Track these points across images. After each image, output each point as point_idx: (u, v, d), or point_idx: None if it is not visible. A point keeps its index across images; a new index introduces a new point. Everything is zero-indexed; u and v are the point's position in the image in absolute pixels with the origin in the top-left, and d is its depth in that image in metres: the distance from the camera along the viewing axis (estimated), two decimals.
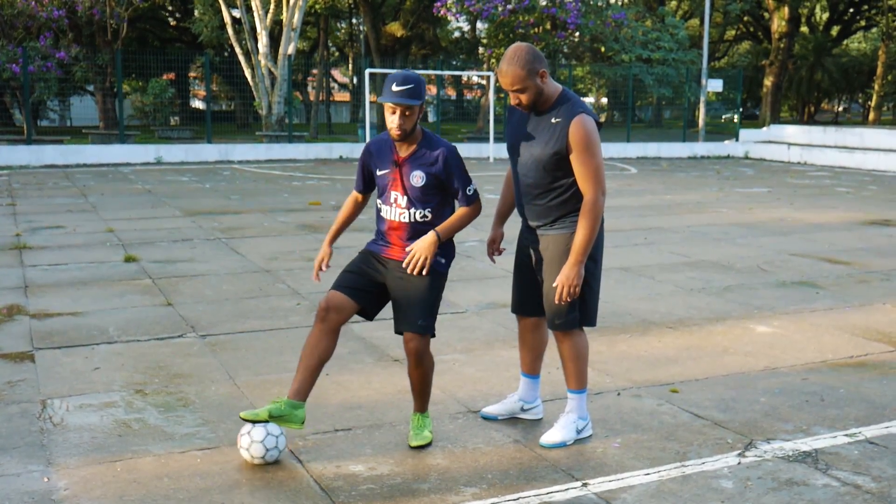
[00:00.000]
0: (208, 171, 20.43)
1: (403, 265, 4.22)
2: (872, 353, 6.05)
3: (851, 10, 49.94)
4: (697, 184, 18.97)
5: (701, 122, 29.82)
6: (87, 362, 5.70)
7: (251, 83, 27.38)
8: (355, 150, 25.57)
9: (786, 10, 40.60)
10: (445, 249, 4.33)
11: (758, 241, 10.75)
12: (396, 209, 4.29)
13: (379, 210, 4.38)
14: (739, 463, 4.22)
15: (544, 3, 29.26)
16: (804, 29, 50.02)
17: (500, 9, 28.27)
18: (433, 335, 4.33)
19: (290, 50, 26.65)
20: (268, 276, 8.43)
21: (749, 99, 52.04)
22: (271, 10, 27.47)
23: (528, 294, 4.57)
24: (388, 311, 4.62)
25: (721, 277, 8.53)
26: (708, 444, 4.45)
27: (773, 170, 23.56)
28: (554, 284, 4.25)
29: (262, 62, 26.73)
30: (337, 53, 53.86)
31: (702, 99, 29.63)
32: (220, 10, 28.14)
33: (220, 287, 7.92)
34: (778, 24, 41.54)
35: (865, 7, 49.02)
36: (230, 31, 27.43)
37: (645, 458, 4.27)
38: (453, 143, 4.33)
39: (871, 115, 41.54)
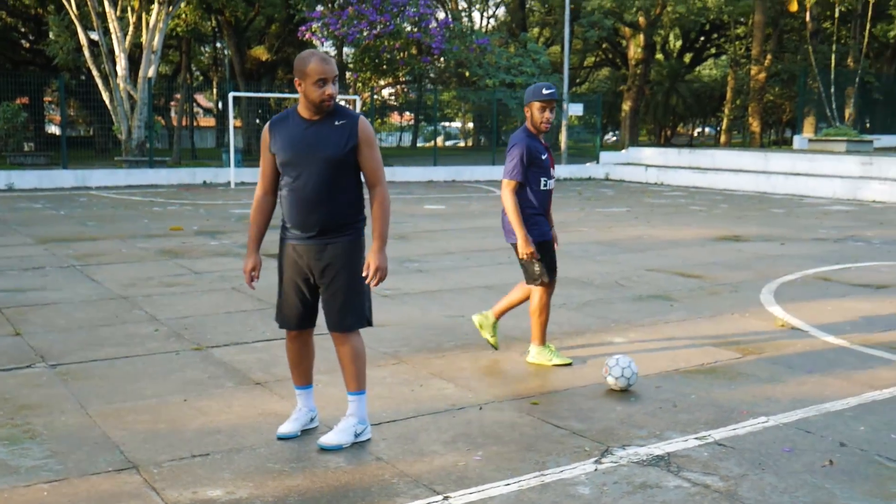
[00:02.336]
0: (64, 198, 19.66)
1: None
2: (721, 361, 6.31)
3: (702, 38, 52.36)
4: (560, 204, 19.42)
5: (563, 145, 30.62)
6: None
7: (110, 107, 26.55)
8: (220, 175, 25.10)
9: (641, 37, 42.23)
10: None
11: (616, 258, 11.09)
12: (552, 183, 6.10)
13: (544, 185, 6.06)
14: (596, 469, 4.32)
15: (409, 28, 29.54)
16: (659, 56, 52.16)
17: (365, 33, 28.37)
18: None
19: (151, 73, 26.02)
20: (125, 302, 8.16)
21: (609, 123, 53.78)
22: (130, 33, 26.75)
23: (307, 307, 4.66)
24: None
25: (580, 293, 8.75)
26: (566, 452, 4.55)
27: (632, 190, 24.38)
28: (365, 273, 4.48)
29: (121, 85, 25.98)
30: (201, 78, 52.84)
31: (563, 122, 30.44)
32: (77, 33, 27.21)
33: (73, 315, 7.62)
34: (634, 51, 43.16)
35: (715, 36, 51.49)
36: (87, 53, 26.55)
37: (505, 469, 4.32)
38: None
39: (723, 138, 43.53)
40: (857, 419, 5.09)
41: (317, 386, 5.59)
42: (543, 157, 5.99)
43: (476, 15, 55.12)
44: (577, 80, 55.48)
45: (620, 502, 3.95)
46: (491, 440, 4.71)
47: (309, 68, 4.37)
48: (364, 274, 4.52)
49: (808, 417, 5.11)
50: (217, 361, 6.21)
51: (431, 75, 35.88)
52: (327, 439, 4.58)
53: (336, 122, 4.47)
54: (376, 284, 4.51)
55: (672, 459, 4.46)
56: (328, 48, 39.27)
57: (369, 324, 4.67)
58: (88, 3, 25.86)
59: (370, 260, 4.50)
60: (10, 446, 4.58)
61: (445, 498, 3.99)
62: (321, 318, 4.71)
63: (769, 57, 38.75)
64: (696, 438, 4.75)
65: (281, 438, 4.69)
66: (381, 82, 31.81)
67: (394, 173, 26.95)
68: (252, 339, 6.83)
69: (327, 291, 4.57)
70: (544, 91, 5.86)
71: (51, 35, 33.75)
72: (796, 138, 30.31)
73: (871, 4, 31.99)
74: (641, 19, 41.06)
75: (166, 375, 5.86)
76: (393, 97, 42.73)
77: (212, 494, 4.01)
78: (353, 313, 4.57)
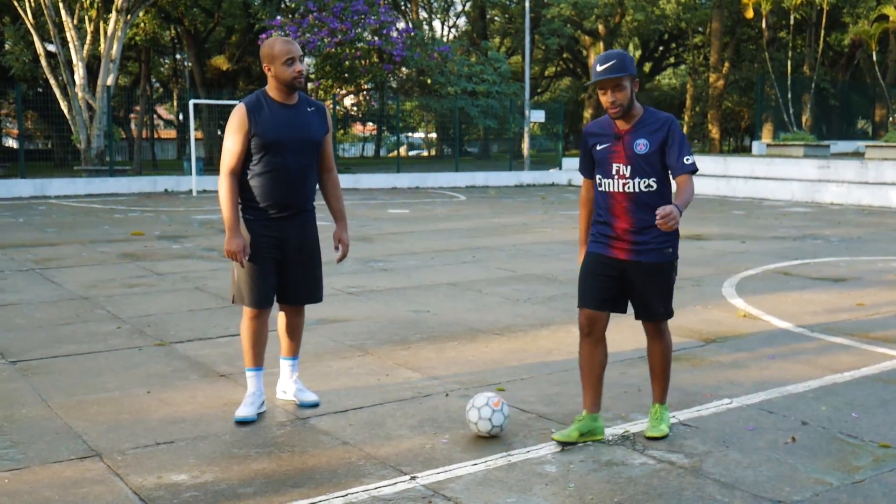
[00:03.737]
0: (22, 206, 19.39)
1: (658, 220, 3.95)
2: (685, 348, 6.37)
3: (661, 48, 52.95)
4: (523, 208, 19.53)
5: (525, 151, 30.76)
6: None
7: (68, 116, 26.23)
8: (181, 184, 24.90)
9: (601, 46, 42.60)
10: (670, 238, 4.39)
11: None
12: (620, 180, 4.32)
13: (598, 186, 4.43)
14: (562, 450, 4.33)
15: (370, 37, 29.56)
16: None
17: (326, 41, 28.34)
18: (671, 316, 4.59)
19: (110, 81, 25.78)
20: (86, 302, 8.06)
21: (571, 131, 54.15)
22: (88, 42, 26.49)
23: (275, 285, 4.80)
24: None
25: (545, 289, 8.78)
26: (533, 434, 4.56)
27: None
28: (337, 250, 4.94)
29: (80, 94, 25.70)
30: (161, 89, 52.44)
31: (525, 129, 30.59)
32: (33, 43, 26.90)
33: (33, 315, 7.51)
34: (594, 59, 43.52)
35: (674, 45, 52.11)
36: (44, 63, 26.24)
37: (472, 450, 4.32)
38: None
39: None
40: (819, 400, 5.16)
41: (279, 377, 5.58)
42: (601, 147, 4.41)
43: (437, 24, 55.32)
44: (539, 90, 55.84)
45: (587, 479, 3.98)
46: (458, 424, 4.71)
47: (276, 51, 4.60)
48: (336, 251, 4.97)
49: (771, 399, 5.17)
50: (181, 356, 6.16)
51: (393, 84, 35.89)
52: (309, 397, 5.00)
53: (309, 109, 4.78)
54: (342, 259, 5.00)
55: (637, 439, 4.49)
56: None
57: None
58: (45, 13, 25.57)
59: (342, 237, 4.96)
60: None
61: (413, 478, 3.98)
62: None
63: (727, 65, 39.28)
64: None
65: (240, 422, 4.71)
66: (343, 90, 31.76)
67: (357, 181, 26.91)
68: (216, 335, 6.77)
69: (302, 267, 4.78)
70: (598, 68, 4.20)
71: (6, 46, 33.36)
72: (755, 144, 30.69)
73: (825, 13, 32.55)
74: (601, 28, 41.45)
75: (129, 370, 5.80)
76: (355, 107, 42.72)
77: (177, 479, 3.98)
78: (321, 287, 4.93)
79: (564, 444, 4.35)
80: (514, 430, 4.60)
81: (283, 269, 4.77)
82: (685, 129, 43.69)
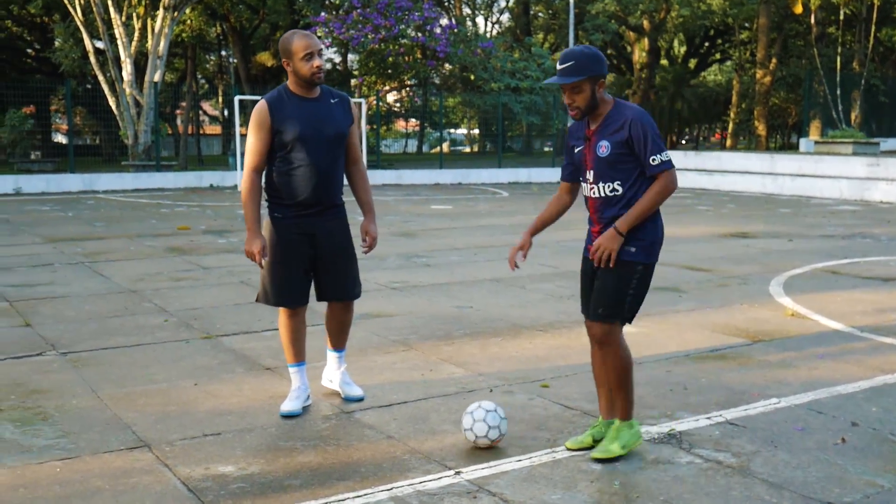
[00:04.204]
0: (71, 201, 19.71)
1: (593, 258, 4.03)
2: (732, 347, 6.30)
3: (707, 44, 52.40)
4: None
5: None
6: None
7: (116, 112, 26.59)
8: (226, 179, 25.14)
9: (646, 41, 42.27)
10: (636, 237, 4.03)
11: None
12: (588, 185, 4.11)
13: (582, 189, 4.24)
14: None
15: (414, 33, 29.60)
16: (664, 62, 52.20)
17: (370, 37, 28.43)
18: (620, 323, 4.12)
19: (157, 77, 26.10)
20: (134, 296, 8.17)
21: None
22: (135, 39, 26.84)
23: (307, 283, 4.79)
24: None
25: None
26: (577, 432, 4.53)
27: None
28: (363, 242, 4.83)
29: (128, 90, 26.04)
30: (206, 85, 53.00)
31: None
32: (83, 40, 27.31)
33: (83, 307, 7.63)
34: (639, 55, 43.21)
35: (720, 41, 51.54)
36: (93, 60, 26.63)
37: (517, 446, 4.31)
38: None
39: (728, 142, 43.52)
40: (869, 401, 5.07)
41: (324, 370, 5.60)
42: (577, 150, 4.19)
43: (480, 20, 55.27)
44: None
45: (633, 477, 3.95)
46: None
47: (295, 46, 4.51)
48: (363, 243, 4.86)
49: (820, 399, 5.09)
50: (226, 349, 6.22)
51: (436, 80, 35.90)
52: (355, 391, 4.98)
53: (332, 101, 4.69)
54: (369, 251, 4.89)
55: (684, 437, 4.45)
56: (332, 53, 39.45)
57: None
58: (94, 10, 25.95)
59: (369, 229, 4.86)
60: (22, 427, 4.59)
61: (457, 472, 3.98)
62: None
63: (774, 61, 38.77)
64: (706, 418, 4.74)
65: (285, 416, 4.73)
66: (386, 87, 31.85)
67: (400, 176, 26.99)
68: (261, 329, 6.83)
69: (336, 263, 4.73)
70: (557, 67, 4.03)
71: (56, 43, 33.92)
72: (802, 141, 30.25)
73: (875, 8, 31.99)
74: (646, 23, 41.11)
75: (176, 362, 5.87)
76: (398, 103, 42.82)
77: (224, 470, 4.02)
78: (358, 283, 4.88)
79: (578, 451, 4.19)
80: (558, 427, 4.59)
81: (318, 267, 4.73)
82: (731, 127, 43.25)
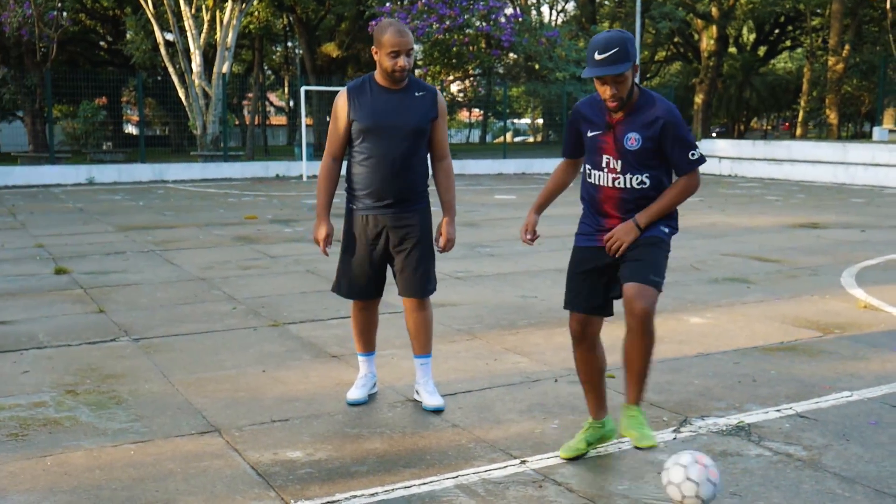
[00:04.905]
0: (142, 190, 20.15)
1: (606, 247, 3.83)
2: (802, 339, 6.18)
3: (777, 31, 51.30)
4: None
5: None
6: (14, 367, 5.55)
7: (185, 103, 27.08)
8: (292, 169, 25.44)
9: (714, 29, 41.55)
10: (668, 222, 3.89)
11: (691, 244, 10.93)
12: (609, 174, 3.85)
13: (588, 176, 3.95)
14: (675, 438, 4.27)
15: (479, 23, 29.54)
16: (732, 49, 51.25)
17: (434, 27, 28.45)
18: (659, 290, 3.78)
19: (225, 69, 26.48)
20: (203, 283, 8.32)
21: (683, 117, 53.06)
22: (204, 31, 27.27)
23: (378, 277, 4.73)
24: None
25: None
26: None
27: (706, 181, 23.99)
28: (437, 243, 4.67)
29: (196, 82, 26.48)
30: (273, 76, 53.60)
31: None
32: (153, 32, 27.84)
33: (154, 295, 7.80)
34: (707, 43, 42.48)
35: (790, 28, 50.41)
36: (163, 52, 27.13)
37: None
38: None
39: (798, 130, 42.63)
40: None
41: (391, 359, 5.65)
42: (592, 134, 3.92)
43: (545, 9, 54.91)
44: (649, 75, 54.85)
45: None
46: (567, 410, 4.69)
47: (384, 39, 4.44)
48: (437, 244, 4.70)
49: (894, 393, 4.97)
50: (293, 336, 6.30)
51: (500, 70, 35.80)
52: (435, 401, 4.69)
53: (416, 94, 4.58)
54: (444, 251, 4.72)
55: (753, 430, 4.39)
56: None
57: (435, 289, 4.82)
58: (164, 2, 26.42)
59: (444, 230, 4.69)
60: (97, 411, 4.71)
61: (523, 462, 3.99)
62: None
63: (847, 48, 37.79)
64: (776, 411, 4.67)
65: (351, 404, 4.77)
66: (451, 77, 31.86)
67: (464, 166, 26.99)
68: (327, 317, 6.90)
69: (407, 259, 4.62)
70: (596, 56, 3.65)
71: (128, 35, 34.64)
72: (876, 130, 29.46)
73: None
74: (714, 10, 40.40)
75: (245, 349, 5.97)
76: (462, 93, 42.80)
77: (292, 456, 4.08)
78: (431, 280, 4.72)
79: (573, 460, 3.96)
80: None
81: (392, 261, 4.68)
82: (801, 115, 42.34)
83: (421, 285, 4.67)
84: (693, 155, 3.79)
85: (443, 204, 4.75)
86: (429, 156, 4.69)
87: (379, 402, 4.85)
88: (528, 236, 4.21)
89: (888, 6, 33.25)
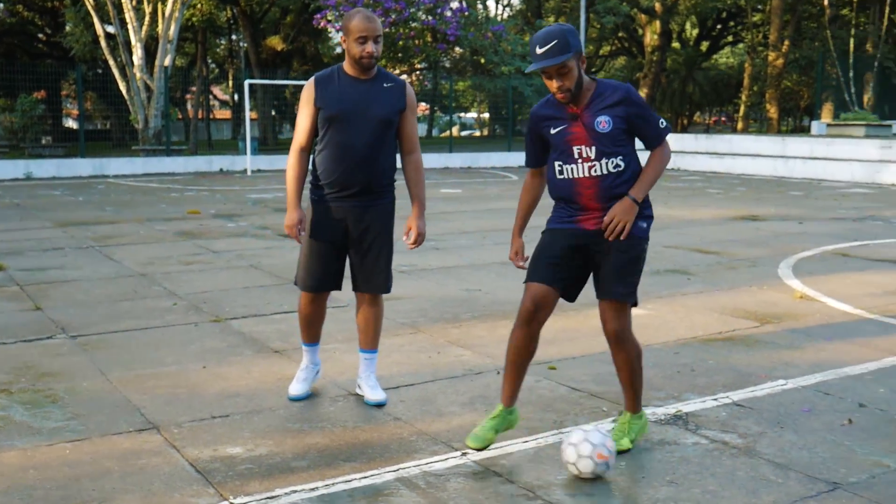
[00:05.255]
0: (82, 185, 19.79)
1: (605, 234, 3.82)
2: (739, 329, 6.30)
3: (719, 26, 52.05)
4: None
5: None
6: None
7: (126, 97, 26.65)
8: (236, 163, 25.19)
9: (657, 24, 42.04)
10: (644, 213, 3.92)
11: None
12: (585, 164, 3.85)
13: (559, 173, 3.94)
14: (614, 428, 4.31)
15: (424, 16, 29.51)
16: (676, 44, 51.87)
17: (381, 20, 28.34)
18: (634, 304, 4.00)
19: (167, 62, 26.11)
20: (143, 279, 8.21)
21: None
22: (146, 23, 26.85)
23: (338, 269, 4.66)
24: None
25: None
26: (584, 413, 4.55)
27: None
28: (406, 238, 4.62)
29: (138, 75, 26.08)
30: (216, 70, 53.00)
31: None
32: (93, 25, 27.33)
33: (93, 291, 7.67)
34: (650, 38, 42.97)
35: (732, 23, 51.17)
36: (104, 45, 26.65)
37: (524, 427, 4.32)
38: None
39: (740, 125, 43.30)
40: (877, 382, 5.07)
41: (333, 353, 5.63)
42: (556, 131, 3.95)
43: (491, 3, 55.04)
44: (594, 69, 55.30)
45: (639, 457, 3.96)
46: None
47: (352, 25, 4.38)
48: (405, 239, 4.64)
49: (827, 381, 5.09)
50: (235, 332, 6.25)
51: (446, 64, 35.81)
52: (377, 396, 4.69)
53: (385, 85, 4.52)
54: (414, 247, 4.67)
55: (690, 419, 4.46)
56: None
57: None
58: None
59: (413, 225, 4.63)
60: (32, 409, 4.62)
61: (464, 454, 4.00)
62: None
63: (787, 43, 38.47)
64: (713, 400, 4.75)
65: (293, 400, 4.72)
66: (397, 70, 31.78)
67: None
68: (270, 312, 6.86)
69: (368, 253, 4.58)
70: (537, 51, 3.76)
71: (67, 27, 33.95)
72: (814, 124, 30.07)
73: None
74: (658, 5, 40.88)
75: (185, 345, 5.91)
76: None
77: (232, 452, 4.05)
78: (390, 275, 4.70)
79: (482, 450, 3.94)
80: (565, 409, 4.60)
81: (350, 254, 4.63)
82: (742, 110, 43.04)
83: (381, 281, 4.65)
84: (662, 123, 3.89)
85: (413, 198, 4.69)
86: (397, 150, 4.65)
87: (321, 396, 4.83)
88: (521, 263, 4.21)
89: (826, 3, 33.93)
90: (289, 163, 4.60)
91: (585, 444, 3.64)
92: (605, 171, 3.84)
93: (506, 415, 4.05)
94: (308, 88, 4.51)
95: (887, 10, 33.60)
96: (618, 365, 4.05)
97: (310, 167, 4.64)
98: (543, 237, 4.08)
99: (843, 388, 4.95)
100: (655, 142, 3.90)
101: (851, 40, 32.49)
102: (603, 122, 3.81)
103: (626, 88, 3.85)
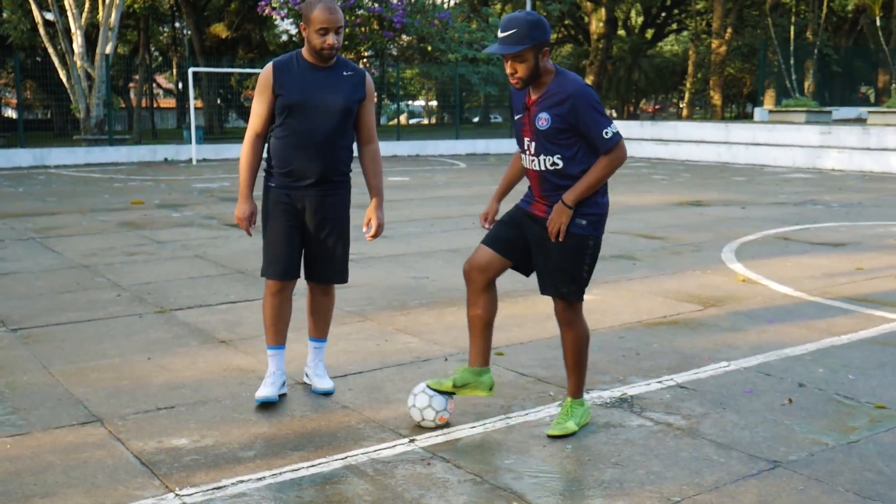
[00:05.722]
0: (22, 177, 19.37)
1: (549, 233, 3.95)
2: (684, 313, 6.39)
3: (664, 14, 52.55)
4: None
5: None
6: None
7: (67, 86, 26.12)
8: (181, 152, 24.86)
9: (603, 12, 42.32)
10: (586, 211, 3.96)
11: None
12: (528, 156, 3.99)
13: (521, 157, 4.11)
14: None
15: (370, 3, 29.35)
16: (621, 32, 52.28)
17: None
18: (580, 300, 4.10)
19: (108, 50, 25.63)
20: (86, 271, 8.08)
21: None
22: (86, 10, 26.32)
23: (298, 256, 4.56)
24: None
25: None
26: (531, 398, 4.59)
27: None
28: (366, 229, 4.58)
29: (79, 63, 25.57)
30: (160, 58, 52.17)
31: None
32: (31, 11, 26.72)
33: (34, 283, 7.53)
34: (596, 25, 43.24)
35: (676, 11, 51.69)
36: (42, 32, 26.08)
37: (471, 413, 4.35)
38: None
39: (685, 112, 43.83)
40: (816, 362, 5.18)
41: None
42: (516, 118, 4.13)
43: None
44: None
45: (584, 440, 4.01)
46: None
47: (313, 15, 4.28)
48: (365, 229, 4.60)
49: (769, 362, 5.19)
50: (181, 323, 6.18)
51: (394, 52, 35.66)
52: (325, 384, 4.68)
53: (345, 73, 4.45)
54: (373, 238, 4.61)
55: (635, 401, 4.52)
56: (288, 24, 38.95)
57: None
58: None
59: (373, 216, 4.59)
60: None
61: (411, 440, 4.01)
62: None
63: (730, 31, 38.97)
64: (658, 382, 4.82)
65: (261, 403, 4.48)
66: (344, 57, 31.57)
67: None
68: (216, 302, 6.79)
69: (324, 243, 4.50)
70: (498, 34, 3.87)
71: (4, 14, 33.14)
72: (757, 110, 30.52)
73: None
74: None
75: (129, 336, 5.83)
76: None
77: (177, 443, 4.01)
78: (344, 268, 4.63)
79: (437, 392, 4.13)
80: (512, 394, 4.63)
81: (307, 244, 4.53)
82: (686, 97, 43.53)
83: (338, 271, 4.60)
84: (607, 133, 3.83)
85: (371, 188, 4.65)
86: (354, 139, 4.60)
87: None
88: (488, 224, 4.32)
89: None
90: (243, 150, 4.48)
91: (429, 409, 4.14)
92: (542, 168, 3.94)
93: (468, 372, 4.18)
94: (265, 74, 4.40)
95: None
96: (564, 346, 4.17)
97: (264, 155, 4.56)
98: (509, 210, 4.23)
99: (783, 369, 5.05)
100: (601, 150, 3.87)
101: (792, 28, 33.00)
102: (543, 120, 3.87)
103: (574, 92, 3.81)
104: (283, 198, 4.43)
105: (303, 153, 4.37)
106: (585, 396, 4.41)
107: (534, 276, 4.29)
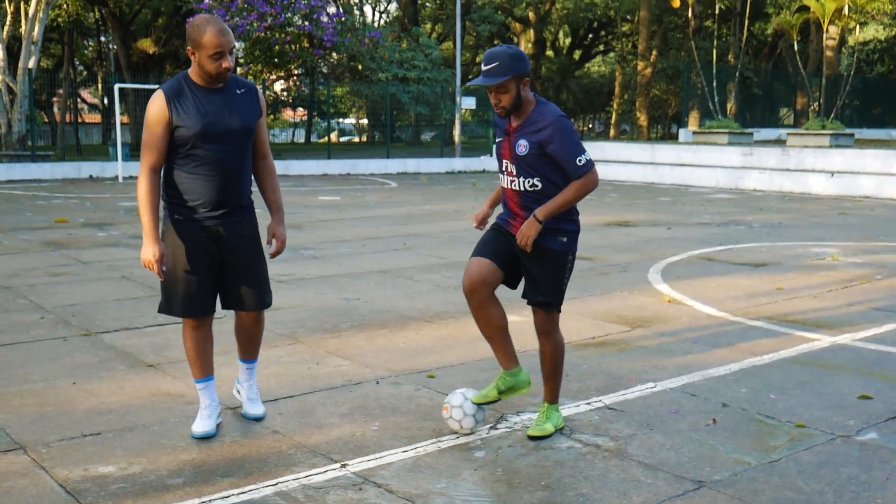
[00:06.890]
0: None
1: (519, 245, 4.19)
2: (612, 333, 6.50)
3: (591, 35, 53.52)
4: (454, 195, 19.61)
5: (457, 138, 30.84)
6: None
7: None
8: (107, 169, 24.41)
9: (532, 33, 42.90)
10: (566, 228, 4.25)
11: None
12: (508, 177, 4.27)
13: (499, 178, 4.39)
14: (490, 434, 4.41)
15: (300, 21, 29.28)
16: (550, 53, 53.04)
17: (255, 25, 27.98)
18: (558, 311, 4.40)
19: (31, 64, 25.09)
20: (8, 292, 7.88)
21: None
22: (8, 23, 25.76)
23: (213, 291, 4.41)
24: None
25: None
26: None
27: None
28: (270, 245, 4.54)
29: (0, 77, 24.97)
30: (85, 72, 51.23)
31: (457, 116, 30.66)
32: None
33: None
34: (525, 46, 43.79)
35: (603, 33, 52.70)
36: None
37: (402, 437, 4.36)
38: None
39: (612, 132, 44.62)
40: (739, 382, 5.32)
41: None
42: (497, 141, 4.40)
43: (368, 9, 55.02)
44: (470, 76, 55.90)
45: (515, 463, 4.05)
46: (388, 411, 4.75)
47: (205, 40, 4.06)
48: (269, 247, 4.50)
49: (693, 382, 5.31)
50: (107, 346, 6.07)
51: (324, 70, 35.61)
52: (256, 410, 4.64)
53: (238, 91, 4.28)
54: (276, 254, 4.53)
55: (564, 423, 4.58)
56: None
57: None
58: None
59: (276, 232, 4.50)
60: None
61: (343, 465, 4.01)
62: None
63: (655, 53, 39.86)
64: (586, 404, 4.90)
65: (199, 438, 4.33)
66: (273, 76, 31.42)
67: (287, 167, 26.67)
68: (143, 325, 6.69)
69: (244, 271, 4.37)
70: (483, 68, 4.12)
71: None
72: (682, 131, 31.23)
73: (748, 3, 33.20)
74: (531, 15, 41.72)
75: (54, 360, 5.71)
76: (285, 92, 42.24)
77: (104, 471, 3.94)
78: (268, 290, 4.54)
79: (482, 405, 4.40)
80: (443, 418, 4.65)
81: (224, 274, 4.35)
82: (613, 117, 44.32)
83: (261, 297, 4.47)
84: (580, 161, 4.09)
85: (270, 205, 4.51)
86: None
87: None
88: (477, 225, 4.63)
89: (690, 14, 35.26)
90: (141, 188, 4.13)
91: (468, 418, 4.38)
92: (522, 188, 4.22)
93: (507, 377, 4.40)
94: (158, 104, 4.11)
95: (746, 22, 35.19)
96: (543, 355, 4.47)
97: (163, 185, 4.28)
98: (486, 231, 4.45)
99: (707, 389, 5.17)
100: (572, 176, 4.13)
101: (714, 51, 33.82)
102: (522, 146, 4.17)
103: (553, 123, 4.09)
104: (197, 231, 4.23)
105: (212, 183, 4.18)
106: (516, 419, 4.46)
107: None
